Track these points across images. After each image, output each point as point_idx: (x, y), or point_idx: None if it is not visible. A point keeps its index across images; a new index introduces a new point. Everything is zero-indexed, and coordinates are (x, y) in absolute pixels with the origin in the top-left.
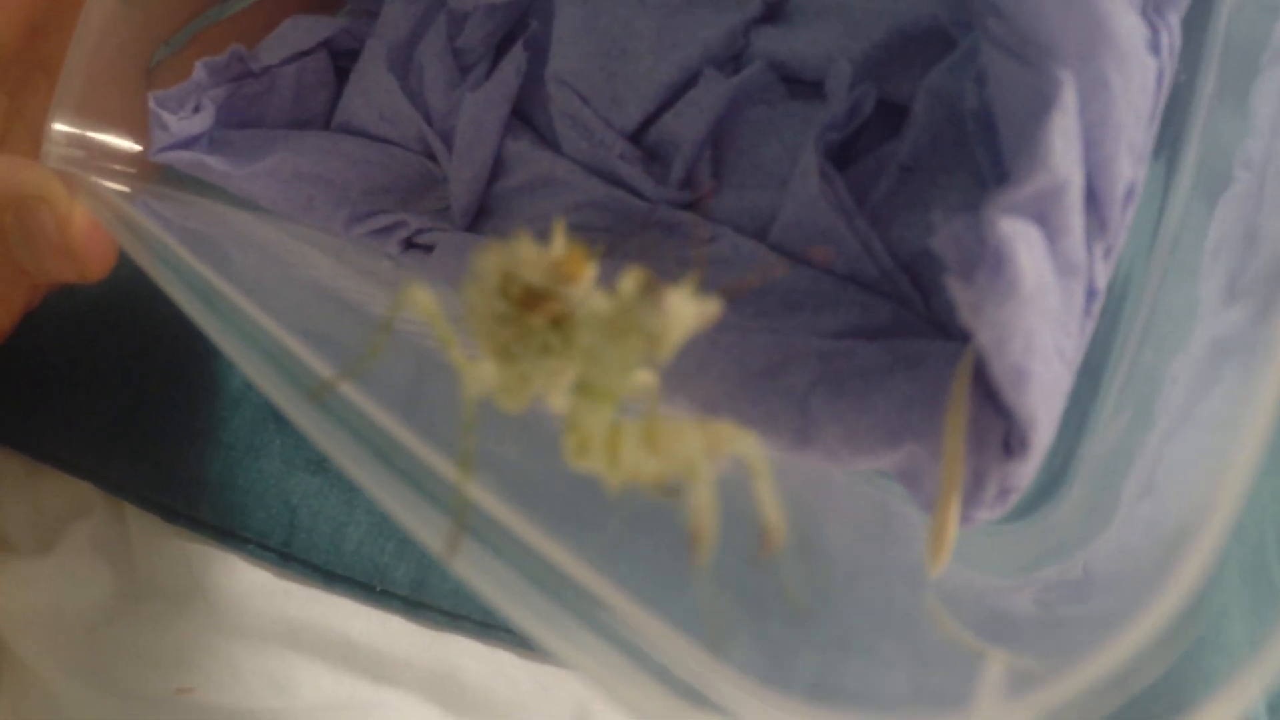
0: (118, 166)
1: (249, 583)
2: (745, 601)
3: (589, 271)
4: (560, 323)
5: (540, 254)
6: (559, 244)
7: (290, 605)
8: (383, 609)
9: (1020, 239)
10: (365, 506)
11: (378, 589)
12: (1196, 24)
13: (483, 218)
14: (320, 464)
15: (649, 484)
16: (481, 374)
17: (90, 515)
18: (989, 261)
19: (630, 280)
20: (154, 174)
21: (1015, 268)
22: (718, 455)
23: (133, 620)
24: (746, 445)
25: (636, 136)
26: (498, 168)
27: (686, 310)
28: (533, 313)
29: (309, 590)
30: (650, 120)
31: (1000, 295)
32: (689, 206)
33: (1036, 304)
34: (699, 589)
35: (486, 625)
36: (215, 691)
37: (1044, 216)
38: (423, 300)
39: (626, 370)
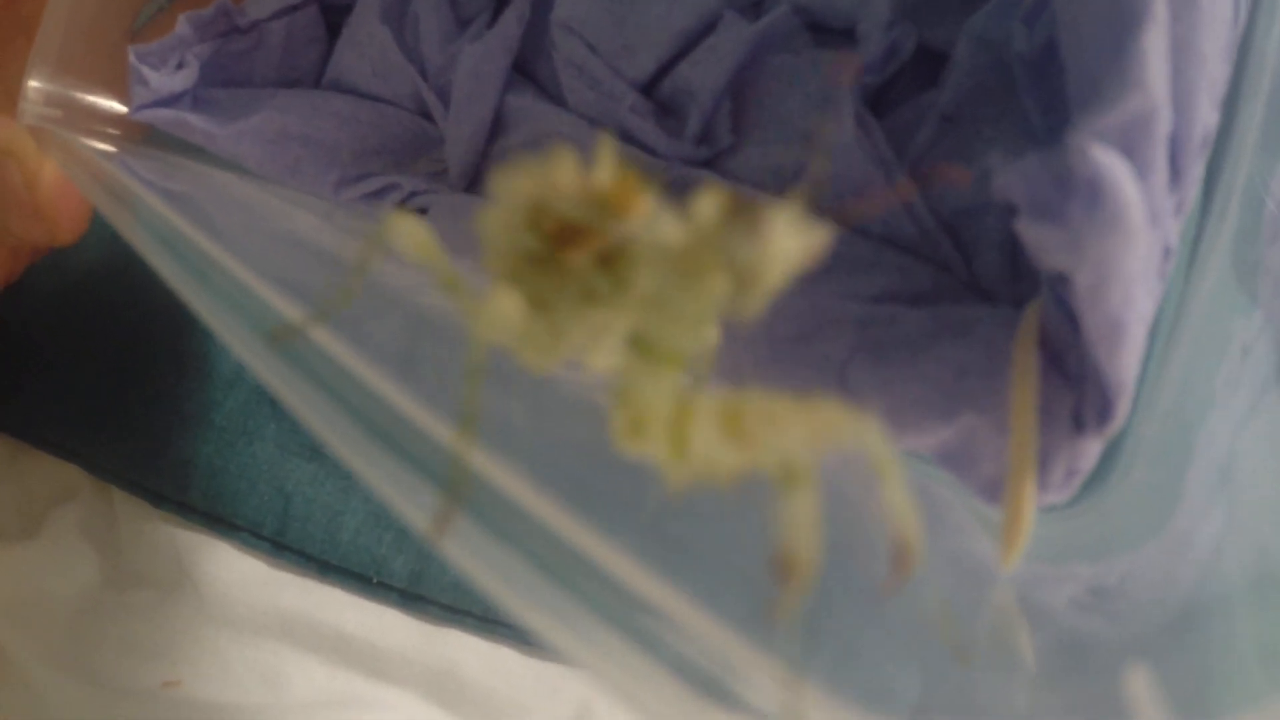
0: (98, 127)
1: (240, 572)
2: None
3: (643, 204)
4: (610, 261)
5: (583, 180)
6: (606, 168)
7: (283, 596)
8: (379, 602)
9: (1119, 166)
10: (362, 495)
11: (374, 581)
12: None
13: (481, 180)
14: (316, 450)
15: (727, 481)
16: (500, 313)
17: (77, 499)
18: (1081, 194)
19: (709, 201)
20: (137, 136)
21: (1120, 196)
22: (820, 446)
23: (119, 609)
24: (865, 434)
25: (649, 88)
26: (498, 125)
27: (792, 240)
28: (571, 251)
29: (302, 581)
30: (664, 70)
31: (1103, 228)
32: (706, 164)
33: (1140, 244)
34: (785, 643)
35: (487, 620)
36: (203, 685)
37: (1131, 149)
38: (414, 233)
39: (701, 323)
